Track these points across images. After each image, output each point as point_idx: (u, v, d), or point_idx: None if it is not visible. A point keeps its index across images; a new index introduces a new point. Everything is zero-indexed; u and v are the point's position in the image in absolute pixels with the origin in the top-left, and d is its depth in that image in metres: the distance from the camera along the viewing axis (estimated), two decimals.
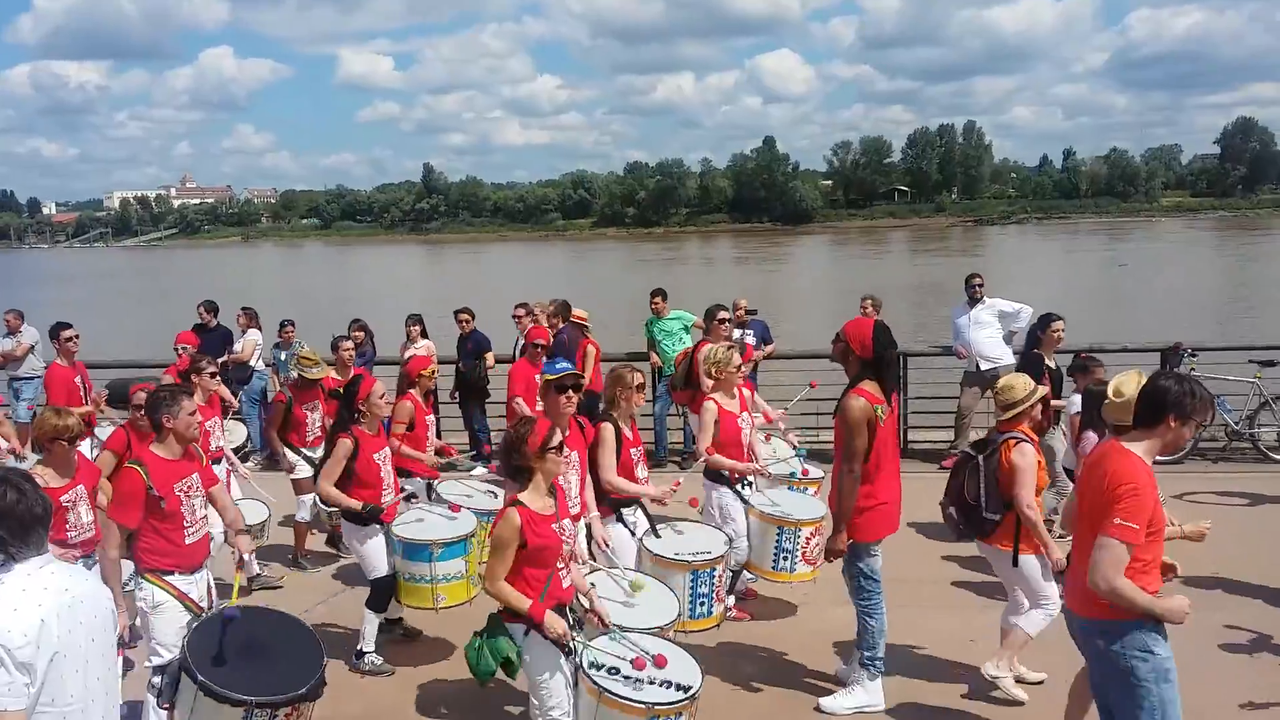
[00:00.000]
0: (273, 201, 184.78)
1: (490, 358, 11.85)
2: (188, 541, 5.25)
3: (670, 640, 4.86)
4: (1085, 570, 4.07)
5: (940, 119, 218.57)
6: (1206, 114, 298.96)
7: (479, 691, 5.52)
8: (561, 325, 11.12)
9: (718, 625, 6.23)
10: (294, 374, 9.08)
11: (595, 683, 4.48)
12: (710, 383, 7.98)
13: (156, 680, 4.92)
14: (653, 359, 12.09)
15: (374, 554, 6.55)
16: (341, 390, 6.94)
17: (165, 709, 4.76)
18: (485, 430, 11.98)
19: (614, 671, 4.53)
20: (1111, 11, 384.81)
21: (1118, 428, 4.71)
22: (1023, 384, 5.96)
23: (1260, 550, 7.91)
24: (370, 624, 6.60)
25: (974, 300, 11.37)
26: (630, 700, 4.41)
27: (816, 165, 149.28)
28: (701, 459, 6.88)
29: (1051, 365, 8.84)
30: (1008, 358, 11.11)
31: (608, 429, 6.22)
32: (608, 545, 6.10)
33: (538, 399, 7.91)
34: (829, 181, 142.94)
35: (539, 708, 4.69)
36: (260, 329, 12.96)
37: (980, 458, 5.85)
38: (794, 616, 7.37)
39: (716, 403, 6.94)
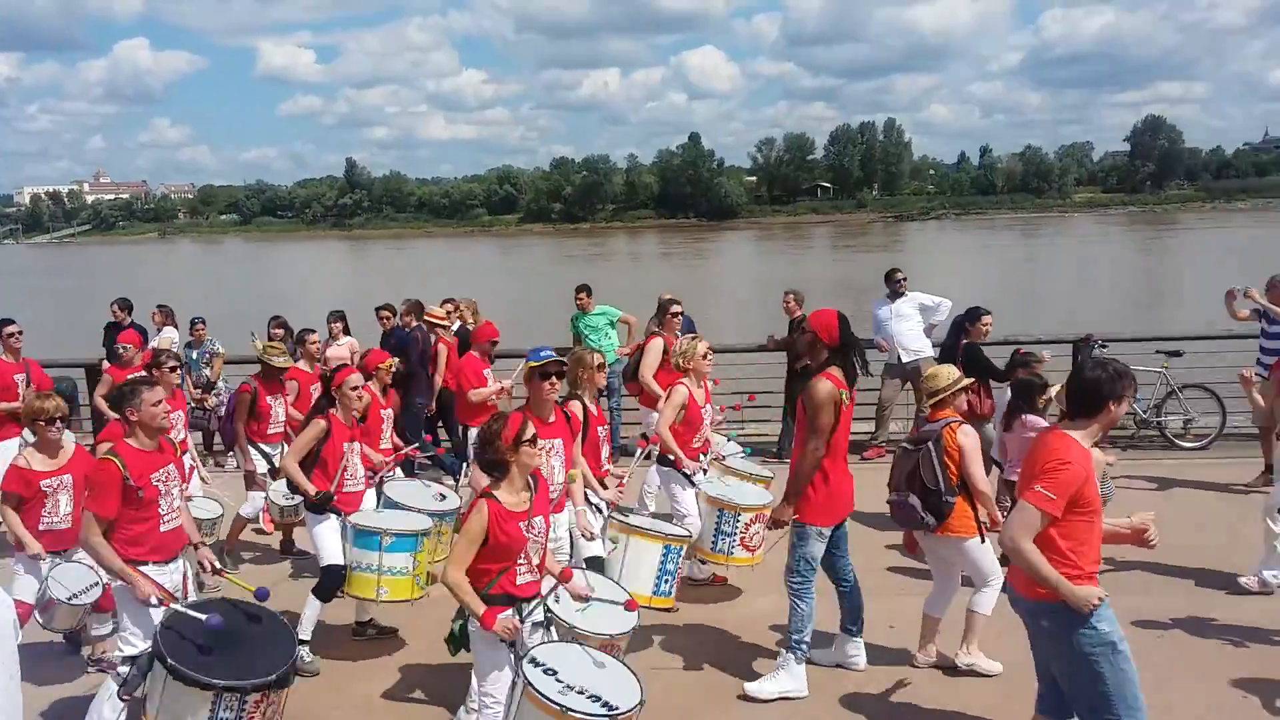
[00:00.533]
0: (190, 197, 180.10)
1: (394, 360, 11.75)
2: (163, 529, 5.22)
3: (620, 660, 4.79)
4: None
5: (861, 116, 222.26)
6: (1117, 112, 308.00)
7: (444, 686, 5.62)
8: (415, 324, 11.02)
9: (671, 609, 6.53)
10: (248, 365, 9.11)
11: (527, 679, 4.37)
12: (648, 376, 9.01)
13: (124, 669, 4.90)
14: None
15: (327, 541, 6.50)
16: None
17: (125, 699, 4.82)
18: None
19: (551, 672, 4.44)
20: (1026, 11, 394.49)
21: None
22: (946, 373, 6.20)
23: (1179, 534, 8.15)
24: (310, 609, 6.48)
25: (895, 294, 11.57)
26: (550, 701, 4.26)
27: (741, 162, 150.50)
28: (648, 444, 7.32)
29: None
30: (928, 350, 11.33)
31: (578, 406, 6.46)
32: (590, 535, 6.22)
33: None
34: (753, 178, 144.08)
35: (481, 685, 4.71)
36: (176, 327, 12.67)
37: (929, 444, 5.99)
38: (728, 603, 7.53)
39: (688, 387, 7.29)
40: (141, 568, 5.12)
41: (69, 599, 6.02)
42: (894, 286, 11.60)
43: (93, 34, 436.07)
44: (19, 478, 6.12)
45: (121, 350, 9.82)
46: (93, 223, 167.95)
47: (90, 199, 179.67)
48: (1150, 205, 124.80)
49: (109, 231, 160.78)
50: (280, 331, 11.45)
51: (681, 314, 10.06)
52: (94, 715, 5.17)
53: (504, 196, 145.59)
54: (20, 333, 9.63)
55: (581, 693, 4.36)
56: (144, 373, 7.72)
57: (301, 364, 9.20)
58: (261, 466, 8.55)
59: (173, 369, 7.88)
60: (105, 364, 12.64)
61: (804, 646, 5.97)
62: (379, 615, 7.06)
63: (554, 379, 5.97)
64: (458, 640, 4.83)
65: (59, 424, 6.16)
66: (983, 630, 6.06)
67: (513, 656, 4.58)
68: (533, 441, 4.68)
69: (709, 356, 7.56)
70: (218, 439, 11.99)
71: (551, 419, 6.04)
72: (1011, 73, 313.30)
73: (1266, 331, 10.02)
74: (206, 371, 12.15)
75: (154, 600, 5.03)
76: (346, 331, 12.14)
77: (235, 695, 4.42)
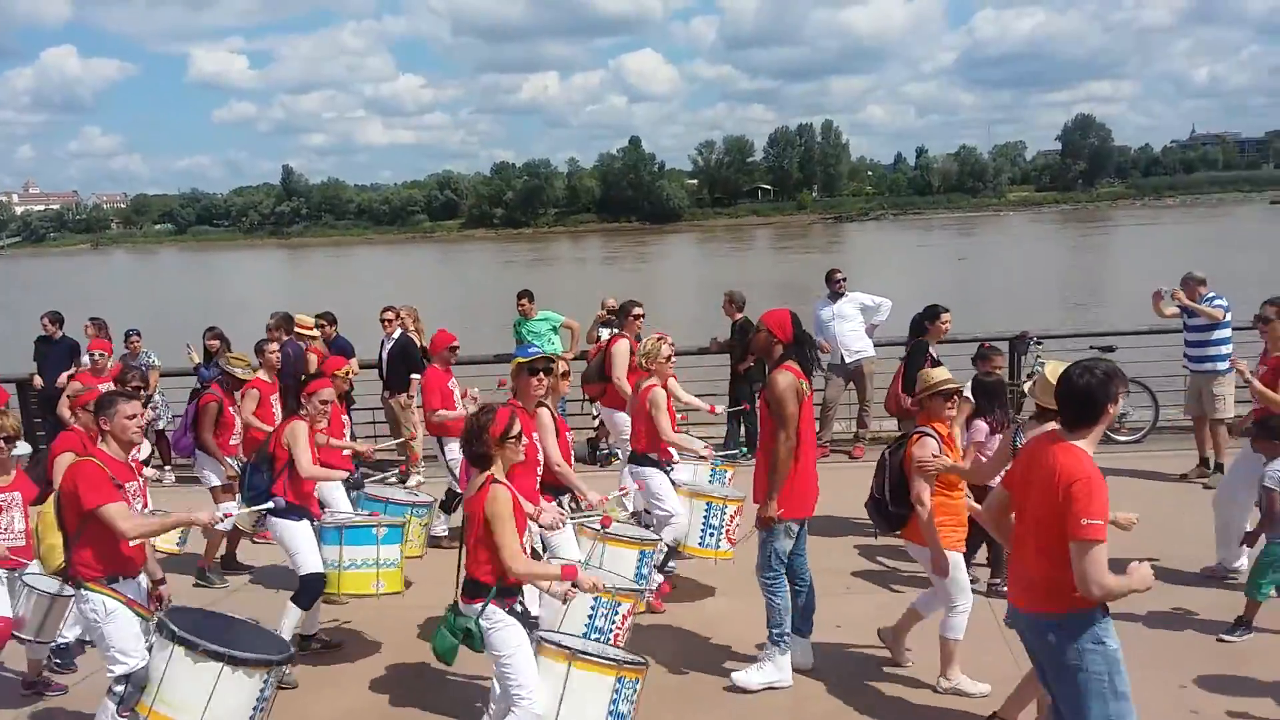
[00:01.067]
0: (123, 207, 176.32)
1: (354, 363, 11.62)
2: (132, 544, 5.12)
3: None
4: (1028, 564, 4.18)
5: (800, 118, 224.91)
6: (1048, 111, 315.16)
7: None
8: (286, 339, 10.92)
9: (715, 561, 7.09)
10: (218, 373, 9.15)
11: (565, 646, 4.75)
12: (621, 376, 9.24)
13: (119, 689, 4.89)
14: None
15: (306, 547, 6.47)
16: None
17: (124, 716, 4.82)
18: None
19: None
20: (958, 12, 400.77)
21: (1042, 410, 5.11)
22: (936, 375, 6.06)
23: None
24: (290, 618, 6.41)
25: (836, 294, 11.69)
26: (605, 659, 4.69)
27: (682, 164, 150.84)
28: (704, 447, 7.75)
29: (933, 354, 8.95)
30: (870, 350, 11.47)
31: (546, 414, 6.50)
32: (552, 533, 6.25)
33: (458, 402, 8.81)
34: (694, 180, 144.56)
35: (506, 688, 4.70)
36: (110, 340, 12.39)
37: (886, 452, 6.06)
38: (709, 599, 7.60)
39: (666, 390, 7.54)
40: (112, 584, 5.04)
41: (59, 593, 5.99)
42: (834, 287, 11.71)
43: (19, 40, 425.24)
44: None
45: (97, 356, 10.02)
46: (22, 234, 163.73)
47: (19, 210, 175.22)
48: (1082, 203, 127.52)
49: (39, 243, 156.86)
50: (216, 343, 11.24)
51: (643, 315, 10.17)
52: None
53: (445, 202, 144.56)
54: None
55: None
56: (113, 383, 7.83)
57: (261, 374, 9.10)
58: (220, 479, 8.55)
59: (136, 389, 7.78)
60: (36, 378, 12.37)
61: (785, 638, 6.07)
62: (327, 627, 7.03)
63: (542, 375, 6.12)
64: (477, 639, 4.73)
65: (11, 442, 6.09)
66: (960, 652, 5.94)
67: (525, 635, 4.74)
68: (519, 437, 4.85)
69: (672, 358, 7.75)
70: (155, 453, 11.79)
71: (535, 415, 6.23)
72: (945, 73, 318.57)
73: (1188, 325, 10.23)
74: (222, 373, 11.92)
75: (219, 515, 5.39)
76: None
77: (275, 672, 4.78)
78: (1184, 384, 10.77)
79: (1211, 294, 10.07)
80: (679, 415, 8.63)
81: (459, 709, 5.98)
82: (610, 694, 4.68)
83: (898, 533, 6.14)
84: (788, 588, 6.12)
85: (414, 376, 11.44)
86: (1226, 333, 9.98)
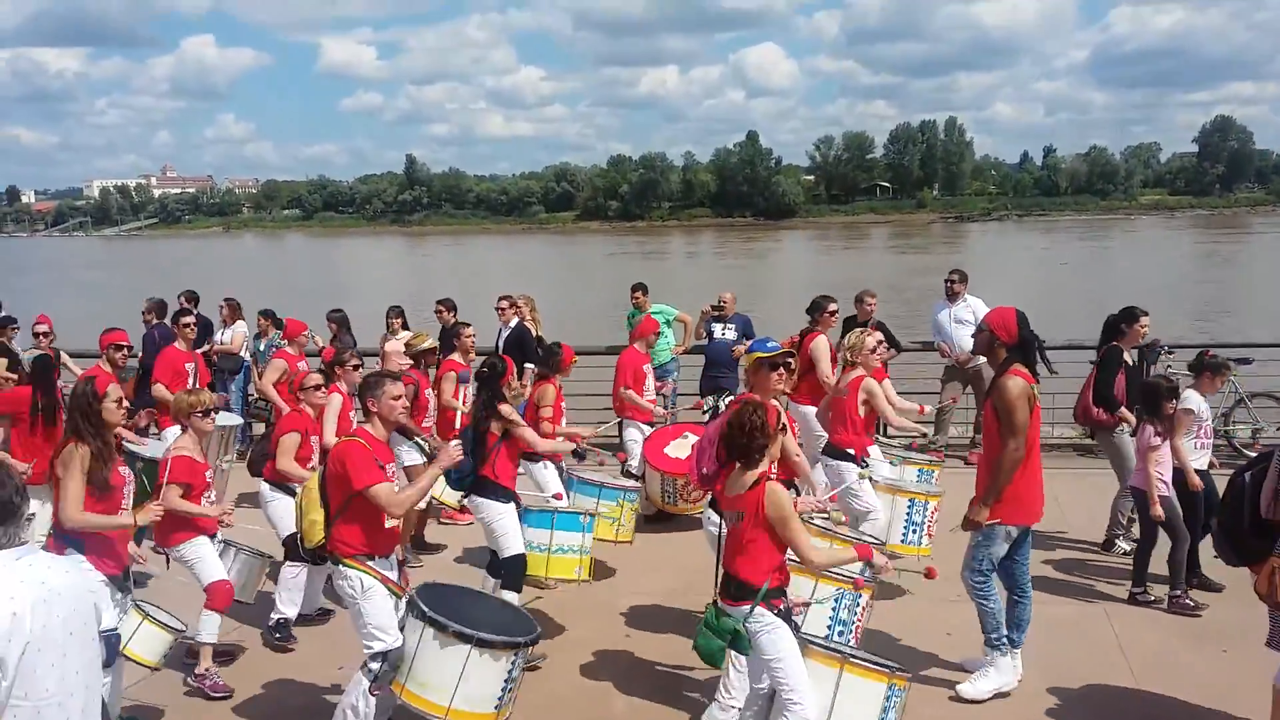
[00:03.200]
0: (254, 192, 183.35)
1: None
2: (387, 525, 5.27)
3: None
4: None
5: (922, 115, 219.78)
6: (1185, 112, 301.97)
7: None
8: (156, 323, 10.99)
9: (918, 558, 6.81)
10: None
11: (838, 650, 4.73)
12: (827, 372, 9.06)
13: (374, 666, 5.05)
14: None
15: (513, 529, 6.54)
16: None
17: (376, 694, 5.02)
18: None
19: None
20: (1093, 8, 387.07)
21: None
22: None
23: None
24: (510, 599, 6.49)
25: (953, 296, 11.44)
26: (878, 664, 4.66)
27: (799, 160, 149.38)
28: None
29: (1129, 360, 8.49)
30: None
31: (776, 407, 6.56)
32: None
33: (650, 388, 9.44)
34: (811, 176, 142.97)
35: (780, 690, 4.58)
36: (244, 320, 12.89)
37: (1248, 474, 5.26)
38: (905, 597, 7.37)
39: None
40: (369, 562, 5.18)
41: (258, 553, 6.63)
42: (951, 289, 11.47)
43: (160, 30, 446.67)
44: (188, 467, 6.19)
45: (301, 338, 10.04)
46: (159, 216, 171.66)
47: (157, 193, 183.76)
48: (1219, 208, 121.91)
49: (175, 225, 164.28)
50: (335, 327, 11.62)
51: (837, 311, 9.94)
52: (346, 710, 5.16)
53: (561, 194, 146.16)
54: (193, 323, 9.89)
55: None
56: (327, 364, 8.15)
57: (456, 356, 9.40)
58: (416, 459, 8.43)
59: (355, 368, 7.90)
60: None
61: (1004, 641, 5.91)
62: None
63: (782, 370, 5.82)
64: (745, 641, 4.62)
65: (213, 415, 6.40)
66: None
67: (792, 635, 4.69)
68: (784, 430, 4.89)
69: (879, 350, 7.67)
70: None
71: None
72: (1077, 71, 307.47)
73: None
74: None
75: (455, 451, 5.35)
76: (405, 326, 12.26)
77: (524, 652, 4.89)
78: None
79: None
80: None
81: None
82: (882, 701, 4.59)
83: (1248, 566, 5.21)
84: (998, 591, 5.95)
85: (528, 366, 11.60)
86: None
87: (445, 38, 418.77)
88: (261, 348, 12.30)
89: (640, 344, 9.73)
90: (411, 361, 8.68)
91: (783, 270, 61.02)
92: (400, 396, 5.34)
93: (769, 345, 5.91)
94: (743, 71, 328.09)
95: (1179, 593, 7.09)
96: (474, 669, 4.73)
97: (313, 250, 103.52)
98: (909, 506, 7.17)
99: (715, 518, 5.79)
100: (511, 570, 6.49)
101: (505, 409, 6.56)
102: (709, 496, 5.91)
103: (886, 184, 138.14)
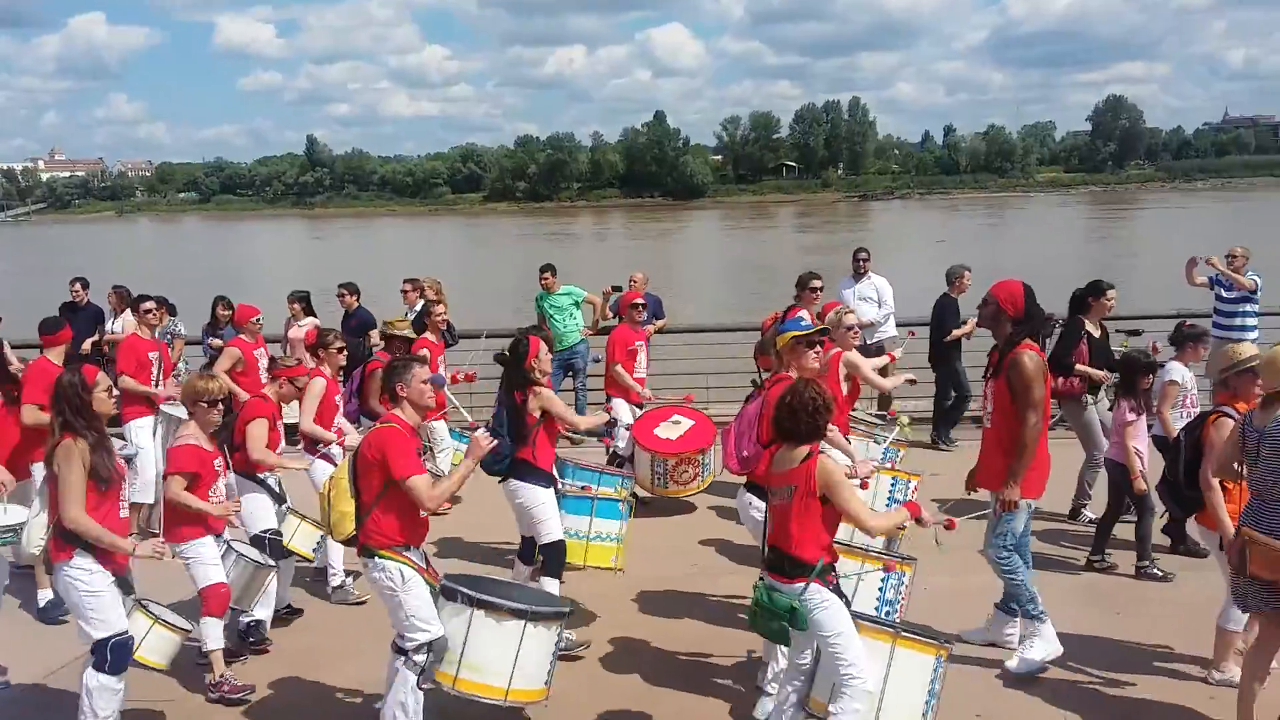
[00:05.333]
0: (148, 175, 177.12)
1: (375, 335, 11.63)
2: (421, 514, 5.18)
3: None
4: None
5: (827, 95, 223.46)
6: (1079, 92, 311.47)
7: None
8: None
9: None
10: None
11: (889, 624, 4.72)
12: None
13: (420, 658, 4.92)
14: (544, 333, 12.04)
15: (553, 514, 6.37)
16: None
17: (425, 688, 4.90)
18: None
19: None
20: None
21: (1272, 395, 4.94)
22: (1243, 350, 5.87)
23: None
24: (552, 588, 6.22)
25: (859, 274, 11.60)
26: (929, 639, 4.66)
27: (707, 140, 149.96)
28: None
29: (1094, 332, 8.54)
30: (891, 329, 11.38)
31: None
32: None
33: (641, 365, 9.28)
34: (719, 157, 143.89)
35: (838, 665, 4.55)
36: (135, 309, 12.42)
37: (1182, 432, 5.81)
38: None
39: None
40: (405, 553, 5.05)
41: (261, 562, 6.27)
42: (857, 266, 11.63)
43: (46, 8, 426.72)
44: (194, 455, 5.95)
45: (252, 323, 9.83)
46: (47, 201, 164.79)
47: (45, 176, 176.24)
48: (1111, 185, 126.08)
49: (64, 210, 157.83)
50: (229, 313, 11.31)
51: (821, 288, 9.83)
52: (395, 709, 4.99)
53: (468, 175, 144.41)
54: (155, 309, 9.45)
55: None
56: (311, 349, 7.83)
57: (429, 335, 9.13)
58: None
59: (340, 350, 7.69)
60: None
61: (1042, 610, 5.87)
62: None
63: (819, 347, 5.71)
64: (802, 617, 4.57)
65: (220, 405, 6.14)
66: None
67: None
68: (831, 408, 4.81)
69: (856, 331, 7.53)
70: None
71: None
72: (976, 52, 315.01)
73: (1221, 296, 10.77)
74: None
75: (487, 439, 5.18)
76: (309, 312, 12.00)
77: (543, 624, 4.84)
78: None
79: (1248, 271, 10.63)
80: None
81: None
82: (931, 673, 4.61)
83: (1193, 517, 5.77)
84: (1022, 564, 5.93)
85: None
86: (1255, 306, 10.63)
87: (346, 15, 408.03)
88: (156, 334, 11.89)
89: (628, 320, 9.58)
90: (382, 344, 8.58)
91: (692, 250, 61.31)
92: (429, 380, 5.24)
93: (803, 324, 5.76)
94: (649, 51, 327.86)
95: (1146, 563, 7.26)
96: (529, 644, 4.74)
97: (210, 234, 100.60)
98: (891, 485, 7.05)
99: (754, 500, 5.70)
100: (551, 556, 6.31)
101: (542, 392, 6.29)
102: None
103: (793, 164, 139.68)
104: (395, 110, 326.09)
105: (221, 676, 5.93)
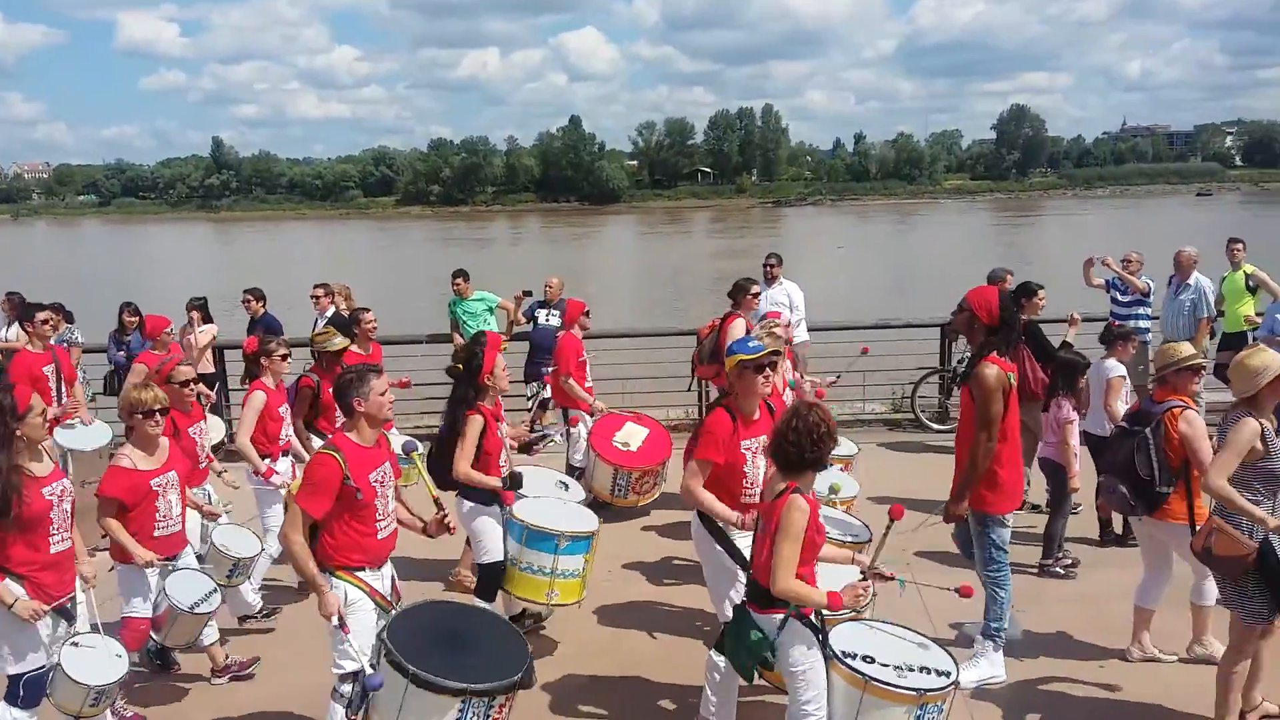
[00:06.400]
0: (45, 177, 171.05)
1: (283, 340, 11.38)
2: (380, 536, 4.90)
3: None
4: None
5: (740, 102, 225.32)
6: (985, 101, 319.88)
7: None
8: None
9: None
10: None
11: (859, 672, 4.41)
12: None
13: (345, 690, 4.69)
14: (456, 340, 11.94)
15: (494, 535, 6.19)
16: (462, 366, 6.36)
17: (353, 719, 4.60)
18: None
19: (869, 659, 4.50)
20: (900, 0, 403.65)
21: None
22: (1184, 348, 5.95)
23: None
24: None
25: (770, 280, 11.70)
26: (898, 687, 4.36)
27: (622, 145, 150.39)
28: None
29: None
30: (803, 334, 11.51)
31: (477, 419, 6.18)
32: None
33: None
34: (634, 162, 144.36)
35: (797, 699, 4.47)
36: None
37: (1148, 430, 5.74)
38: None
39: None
40: (358, 573, 4.81)
41: (190, 608, 5.67)
42: (768, 272, 11.73)
43: None
44: (125, 480, 5.48)
45: (166, 334, 9.61)
46: None
47: None
48: (1015, 192, 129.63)
49: None
50: (135, 320, 10.96)
51: (759, 294, 9.76)
52: None
53: (380, 178, 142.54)
54: (49, 320, 9.05)
55: (911, 670, 4.48)
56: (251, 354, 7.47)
57: (355, 346, 8.73)
58: None
59: (284, 357, 7.35)
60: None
61: (1002, 634, 5.84)
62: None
63: (769, 371, 5.39)
64: (768, 661, 4.50)
65: (159, 416, 5.58)
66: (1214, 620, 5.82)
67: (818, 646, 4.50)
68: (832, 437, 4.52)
69: (789, 339, 7.41)
70: None
71: (757, 415, 5.43)
72: (885, 60, 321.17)
73: (1118, 300, 11.06)
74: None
75: (333, 621, 4.69)
76: (207, 319, 11.69)
77: (483, 700, 4.36)
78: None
79: (1142, 275, 10.98)
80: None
81: None
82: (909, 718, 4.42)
83: (1152, 514, 5.81)
84: (1010, 580, 5.83)
85: None
86: (1149, 309, 10.98)
87: (253, 15, 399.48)
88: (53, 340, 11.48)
89: (576, 329, 9.32)
90: (329, 356, 7.98)
91: (608, 255, 61.36)
92: (386, 390, 4.90)
93: (750, 345, 5.41)
94: (564, 56, 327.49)
95: (1051, 561, 7.46)
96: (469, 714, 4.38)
97: (111, 238, 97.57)
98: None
99: (698, 520, 5.56)
100: (486, 577, 6.18)
101: (478, 419, 6.12)
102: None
103: (707, 169, 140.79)
104: (304, 112, 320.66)
105: (226, 663, 6.00)
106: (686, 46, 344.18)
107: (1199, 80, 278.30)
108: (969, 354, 11.39)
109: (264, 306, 11.56)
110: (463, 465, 6.09)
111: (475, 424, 6.12)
